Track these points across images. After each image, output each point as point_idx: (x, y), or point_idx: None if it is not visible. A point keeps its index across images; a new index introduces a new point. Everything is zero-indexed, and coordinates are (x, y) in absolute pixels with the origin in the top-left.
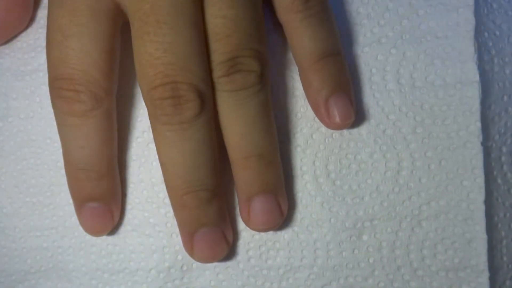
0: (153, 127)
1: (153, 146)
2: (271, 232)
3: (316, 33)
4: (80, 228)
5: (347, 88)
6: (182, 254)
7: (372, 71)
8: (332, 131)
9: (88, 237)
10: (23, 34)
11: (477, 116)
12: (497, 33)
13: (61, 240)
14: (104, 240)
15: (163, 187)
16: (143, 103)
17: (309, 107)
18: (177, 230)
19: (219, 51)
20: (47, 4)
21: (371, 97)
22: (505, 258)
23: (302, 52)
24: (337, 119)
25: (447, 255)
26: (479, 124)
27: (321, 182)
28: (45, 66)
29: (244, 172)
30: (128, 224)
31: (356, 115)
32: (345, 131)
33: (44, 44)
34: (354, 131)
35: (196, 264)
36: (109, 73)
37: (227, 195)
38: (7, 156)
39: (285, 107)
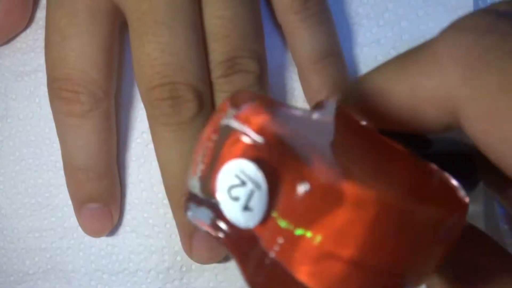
0: (151, 127)
1: (152, 146)
2: None
3: (315, 34)
4: (79, 229)
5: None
6: (181, 255)
7: None
8: None
9: (87, 238)
10: (22, 35)
11: None
12: None
13: (60, 241)
14: (103, 241)
15: (162, 188)
16: (142, 104)
17: (308, 108)
18: (176, 231)
19: (217, 52)
20: (46, 5)
21: None
22: None
23: (301, 53)
24: None
25: None
26: None
27: None
28: (44, 67)
29: None
30: (128, 225)
31: None
32: None
33: (43, 44)
34: None
35: (195, 265)
36: (108, 73)
37: None
38: (6, 157)
39: None
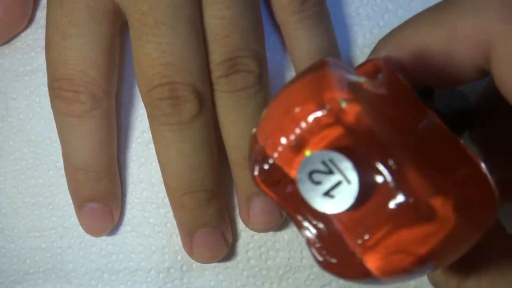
0: (151, 127)
1: (152, 146)
2: (270, 233)
3: (312, 35)
4: (80, 229)
5: None
6: (182, 255)
7: None
8: None
9: (88, 237)
10: (23, 35)
11: None
12: None
13: (60, 241)
14: (104, 240)
15: (162, 187)
16: (143, 104)
17: None
18: (176, 230)
19: (217, 52)
20: (46, 5)
21: None
22: None
23: (299, 54)
24: None
25: None
26: None
27: None
28: (44, 67)
29: (244, 173)
30: (128, 224)
31: None
32: None
33: (43, 44)
34: None
35: (196, 265)
36: (108, 73)
37: (227, 195)
38: (6, 156)
39: None
